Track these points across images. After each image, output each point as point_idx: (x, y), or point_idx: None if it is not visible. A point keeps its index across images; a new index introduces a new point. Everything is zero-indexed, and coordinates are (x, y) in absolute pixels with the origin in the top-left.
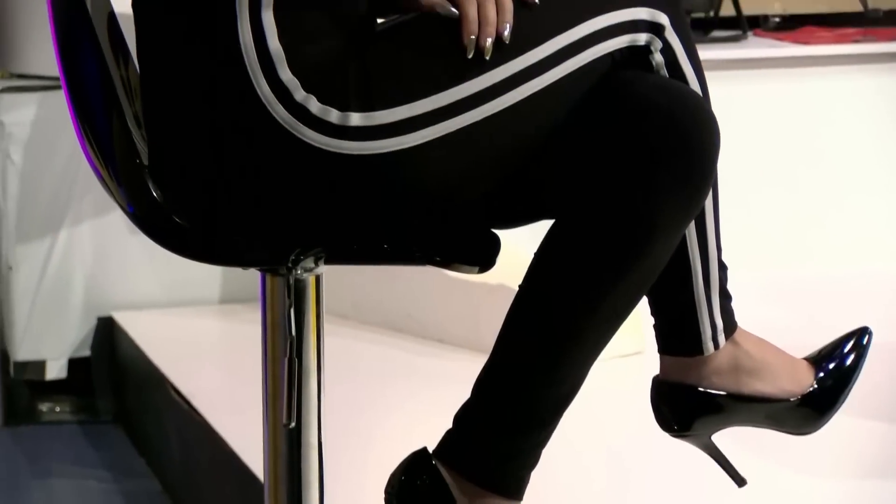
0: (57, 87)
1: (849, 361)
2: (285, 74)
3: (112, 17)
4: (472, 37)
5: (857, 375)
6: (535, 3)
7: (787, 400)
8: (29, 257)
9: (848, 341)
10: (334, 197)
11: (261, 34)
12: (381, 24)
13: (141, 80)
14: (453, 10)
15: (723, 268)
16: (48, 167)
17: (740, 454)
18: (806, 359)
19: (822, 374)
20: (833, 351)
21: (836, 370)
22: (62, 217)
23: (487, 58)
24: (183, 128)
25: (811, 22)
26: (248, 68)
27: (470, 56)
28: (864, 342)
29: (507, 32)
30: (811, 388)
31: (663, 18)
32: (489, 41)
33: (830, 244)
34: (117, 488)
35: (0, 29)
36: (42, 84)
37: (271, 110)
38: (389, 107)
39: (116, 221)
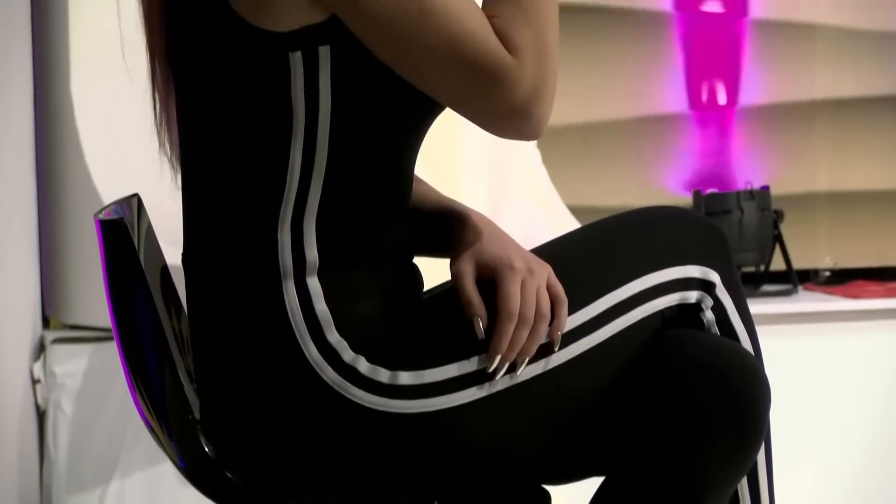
0: (109, 339)
1: None
2: (333, 337)
3: (165, 271)
4: (498, 356)
5: None
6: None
7: None
8: None
9: None
10: (383, 454)
11: (307, 298)
12: (429, 291)
13: (192, 337)
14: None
15: None
16: (99, 418)
17: None
18: None
19: None
20: None
21: None
22: (112, 468)
23: (519, 370)
24: (233, 386)
25: (861, 276)
26: (296, 332)
27: (499, 376)
28: None
29: (558, 335)
30: None
31: (714, 276)
32: (526, 359)
33: (886, 497)
34: None
35: (53, 280)
36: (94, 335)
37: (320, 372)
38: (438, 365)
39: (167, 473)
